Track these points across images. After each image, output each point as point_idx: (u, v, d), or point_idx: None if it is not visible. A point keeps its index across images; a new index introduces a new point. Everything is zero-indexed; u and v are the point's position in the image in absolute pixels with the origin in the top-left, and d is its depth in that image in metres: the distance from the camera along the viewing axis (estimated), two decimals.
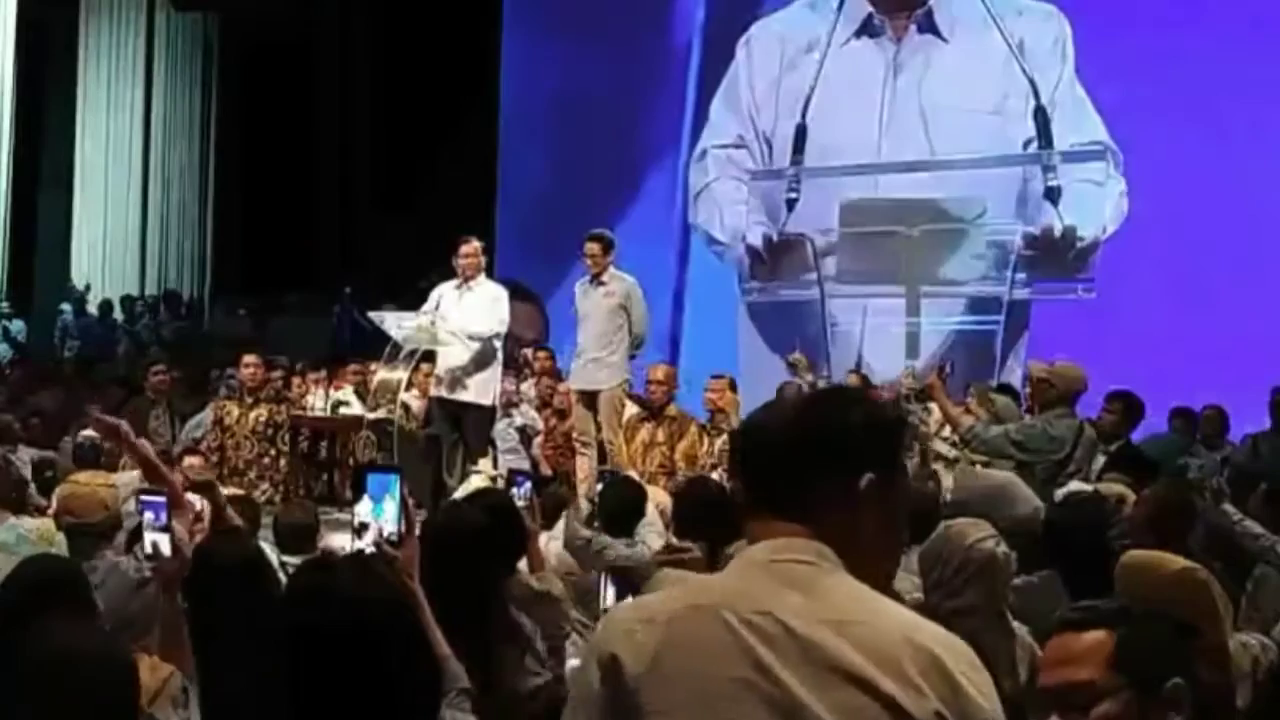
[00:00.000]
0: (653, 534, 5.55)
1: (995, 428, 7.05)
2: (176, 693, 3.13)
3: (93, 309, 16.22)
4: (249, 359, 9.88)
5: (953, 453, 8.24)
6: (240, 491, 8.13)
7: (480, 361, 8.49)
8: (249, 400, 9.70)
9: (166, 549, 3.39)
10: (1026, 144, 11.44)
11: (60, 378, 12.91)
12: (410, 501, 2.82)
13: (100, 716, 2.12)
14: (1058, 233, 11.12)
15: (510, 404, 9.10)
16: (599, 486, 7.04)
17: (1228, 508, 5.26)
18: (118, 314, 16.28)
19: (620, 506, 5.49)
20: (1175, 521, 4.70)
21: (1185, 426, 8.98)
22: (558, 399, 9.59)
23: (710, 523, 4.60)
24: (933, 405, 8.38)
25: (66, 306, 16.00)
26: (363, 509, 2.71)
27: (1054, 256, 11.18)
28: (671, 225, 13.06)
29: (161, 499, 3.48)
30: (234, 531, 3.93)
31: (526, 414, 9.29)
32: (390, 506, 2.70)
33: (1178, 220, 10.53)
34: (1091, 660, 1.95)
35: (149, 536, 3.46)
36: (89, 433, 7.83)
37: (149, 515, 3.45)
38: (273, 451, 9.57)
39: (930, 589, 3.80)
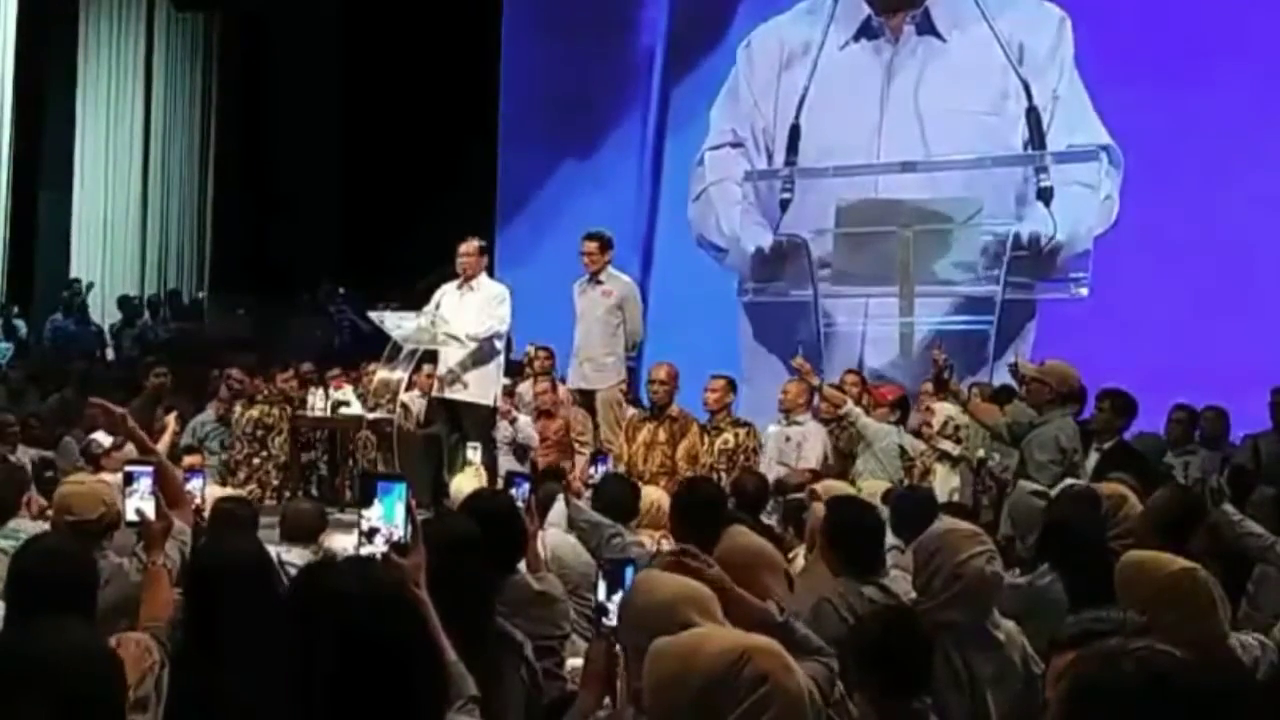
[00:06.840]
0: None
1: (1042, 470, 7.00)
2: (145, 694, 3.17)
3: (93, 309, 16.19)
4: (233, 372, 9.97)
5: (956, 450, 8.27)
6: (241, 491, 8.18)
7: (480, 361, 8.48)
8: (249, 400, 9.71)
9: (152, 513, 3.76)
10: (1025, 145, 11.44)
11: (60, 377, 12.87)
12: (414, 505, 2.82)
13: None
14: (1045, 240, 11.13)
15: (506, 416, 9.05)
16: (591, 471, 7.04)
17: (1228, 508, 5.26)
18: (111, 315, 16.24)
19: (616, 501, 5.49)
20: (1181, 525, 4.72)
21: (1185, 423, 8.77)
22: (543, 398, 9.46)
23: (706, 524, 4.60)
24: (936, 406, 8.41)
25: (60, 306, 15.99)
26: (373, 513, 2.72)
27: (1043, 260, 11.18)
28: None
29: (148, 468, 3.84)
30: (237, 532, 3.95)
31: (523, 429, 9.23)
32: (399, 512, 2.72)
33: (1178, 220, 10.53)
34: None
35: (134, 504, 3.79)
36: (96, 436, 7.85)
37: (136, 484, 3.80)
38: (276, 452, 9.57)
39: (920, 590, 3.82)
